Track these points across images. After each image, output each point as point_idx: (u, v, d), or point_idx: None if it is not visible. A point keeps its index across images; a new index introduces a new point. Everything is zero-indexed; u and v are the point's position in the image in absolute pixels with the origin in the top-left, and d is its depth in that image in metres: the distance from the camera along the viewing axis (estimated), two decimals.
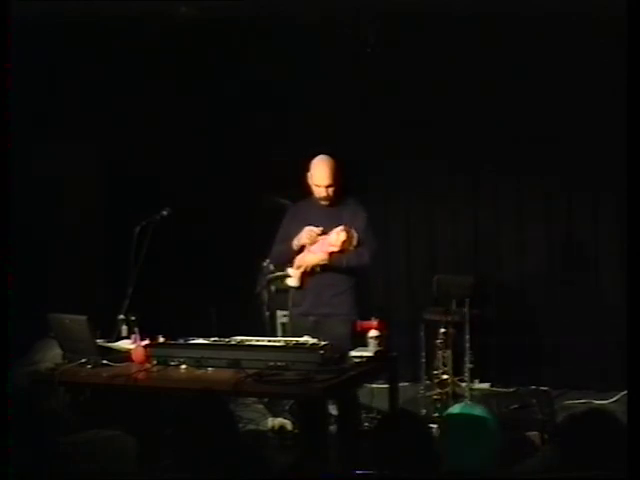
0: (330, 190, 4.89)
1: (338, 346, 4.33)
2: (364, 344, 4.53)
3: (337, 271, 4.88)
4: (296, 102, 7.22)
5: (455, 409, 5.14)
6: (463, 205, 7.22)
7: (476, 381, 6.80)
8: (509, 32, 6.49)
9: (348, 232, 4.77)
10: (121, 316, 4.83)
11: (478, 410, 5.00)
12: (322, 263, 4.84)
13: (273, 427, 5.74)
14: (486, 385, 6.93)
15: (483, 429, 4.87)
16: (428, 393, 5.99)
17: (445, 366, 6.15)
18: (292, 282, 4.97)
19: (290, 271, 4.97)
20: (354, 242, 4.80)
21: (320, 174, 4.88)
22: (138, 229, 5.01)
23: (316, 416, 4.24)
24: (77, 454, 3.65)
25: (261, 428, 5.80)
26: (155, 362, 4.36)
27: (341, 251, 4.79)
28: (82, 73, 6.62)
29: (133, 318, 4.79)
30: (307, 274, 4.90)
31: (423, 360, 6.37)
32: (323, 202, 4.93)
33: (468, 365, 6.36)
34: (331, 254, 4.80)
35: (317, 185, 4.90)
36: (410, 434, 3.25)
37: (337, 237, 4.75)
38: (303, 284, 4.93)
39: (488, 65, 6.78)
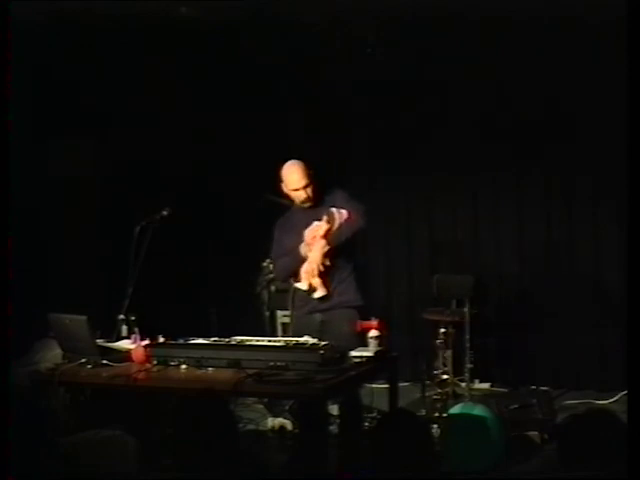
0: (309, 190, 4.82)
1: (339, 346, 4.33)
2: (364, 344, 4.53)
3: (338, 254, 4.79)
4: (296, 102, 7.22)
5: (456, 409, 5.14)
6: (463, 205, 7.21)
7: (476, 381, 6.80)
8: (508, 33, 6.49)
9: (330, 214, 4.69)
10: (121, 316, 4.83)
11: (479, 410, 5.00)
12: (325, 250, 4.73)
13: (273, 427, 5.74)
14: (486, 385, 6.93)
15: (484, 429, 4.87)
16: (428, 393, 5.98)
17: (445, 366, 6.15)
18: (318, 293, 4.82)
19: (301, 285, 4.83)
20: (341, 218, 4.71)
21: (293, 178, 4.83)
22: (138, 229, 5.00)
23: (316, 416, 4.25)
24: (77, 454, 3.65)
25: (261, 428, 5.80)
26: (155, 362, 4.35)
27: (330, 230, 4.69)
28: (82, 73, 6.63)
29: (133, 318, 4.79)
30: (323, 273, 4.78)
31: (423, 360, 6.36)
32: (306, 205, 4.87)
33: (468, 365, 6.36)
34: (326, 236, 4.70)
35: (294, 190, 4.84)
36: (410, 434, 3.25)
37: (321, 223, 4.68)
38: (327, 287, 4.80)
39: (487, 66, 6.77)
